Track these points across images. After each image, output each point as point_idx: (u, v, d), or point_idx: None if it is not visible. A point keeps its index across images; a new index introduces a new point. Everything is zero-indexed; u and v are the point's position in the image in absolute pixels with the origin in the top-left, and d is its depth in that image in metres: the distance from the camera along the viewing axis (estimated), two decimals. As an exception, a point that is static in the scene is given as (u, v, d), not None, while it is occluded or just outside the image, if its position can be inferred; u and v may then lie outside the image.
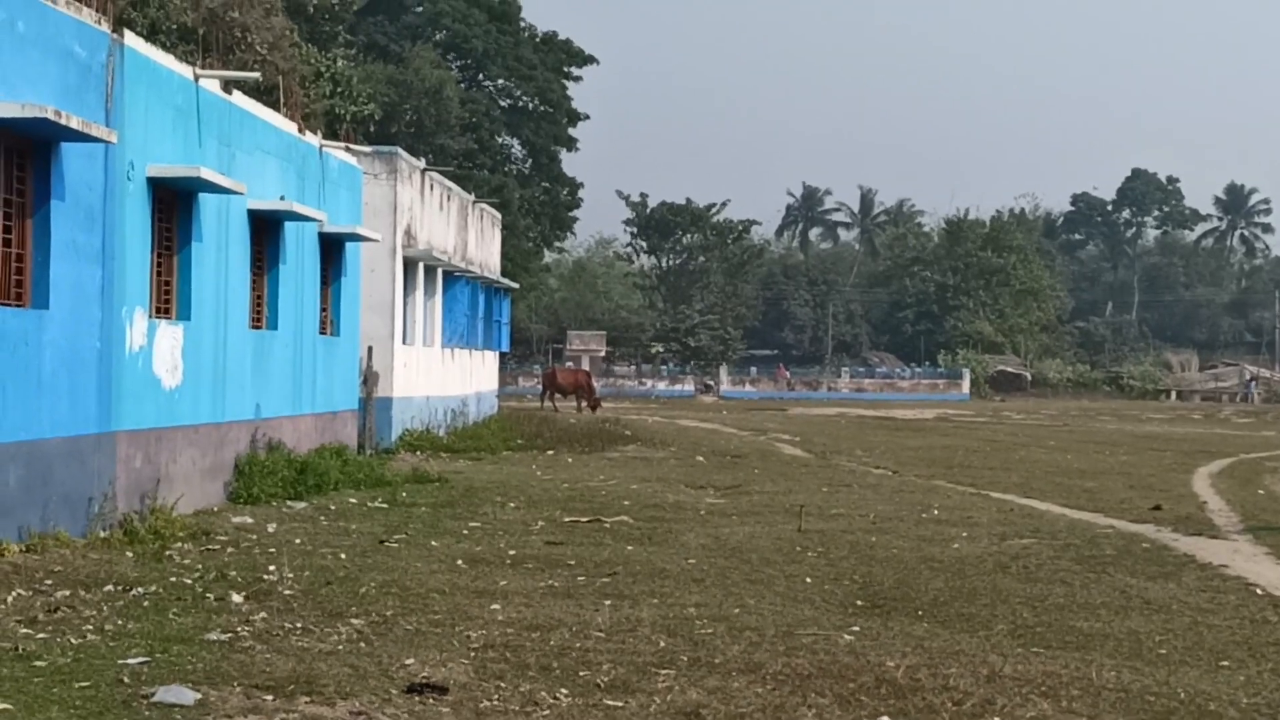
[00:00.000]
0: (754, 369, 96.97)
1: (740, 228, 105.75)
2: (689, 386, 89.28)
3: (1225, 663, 10.06)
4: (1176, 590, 13.15)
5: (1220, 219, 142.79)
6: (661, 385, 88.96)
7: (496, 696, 8.42)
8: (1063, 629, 11.14)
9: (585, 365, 78.49)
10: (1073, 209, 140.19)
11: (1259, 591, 13.19)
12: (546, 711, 8.14)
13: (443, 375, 33.42)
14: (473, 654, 9.51)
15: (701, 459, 29.42)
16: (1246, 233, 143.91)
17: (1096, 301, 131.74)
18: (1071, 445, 38.25)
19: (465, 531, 15.99)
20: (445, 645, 9.75)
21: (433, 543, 14.93)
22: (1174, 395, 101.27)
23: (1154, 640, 10.77)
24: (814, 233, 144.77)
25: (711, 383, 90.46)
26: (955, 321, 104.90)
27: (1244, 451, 36.73)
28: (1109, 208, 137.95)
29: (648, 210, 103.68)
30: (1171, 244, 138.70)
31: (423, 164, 32.21)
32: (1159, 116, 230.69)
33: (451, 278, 33.71)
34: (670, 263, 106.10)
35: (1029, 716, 8.39)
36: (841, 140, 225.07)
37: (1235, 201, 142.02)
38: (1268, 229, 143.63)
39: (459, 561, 13.65)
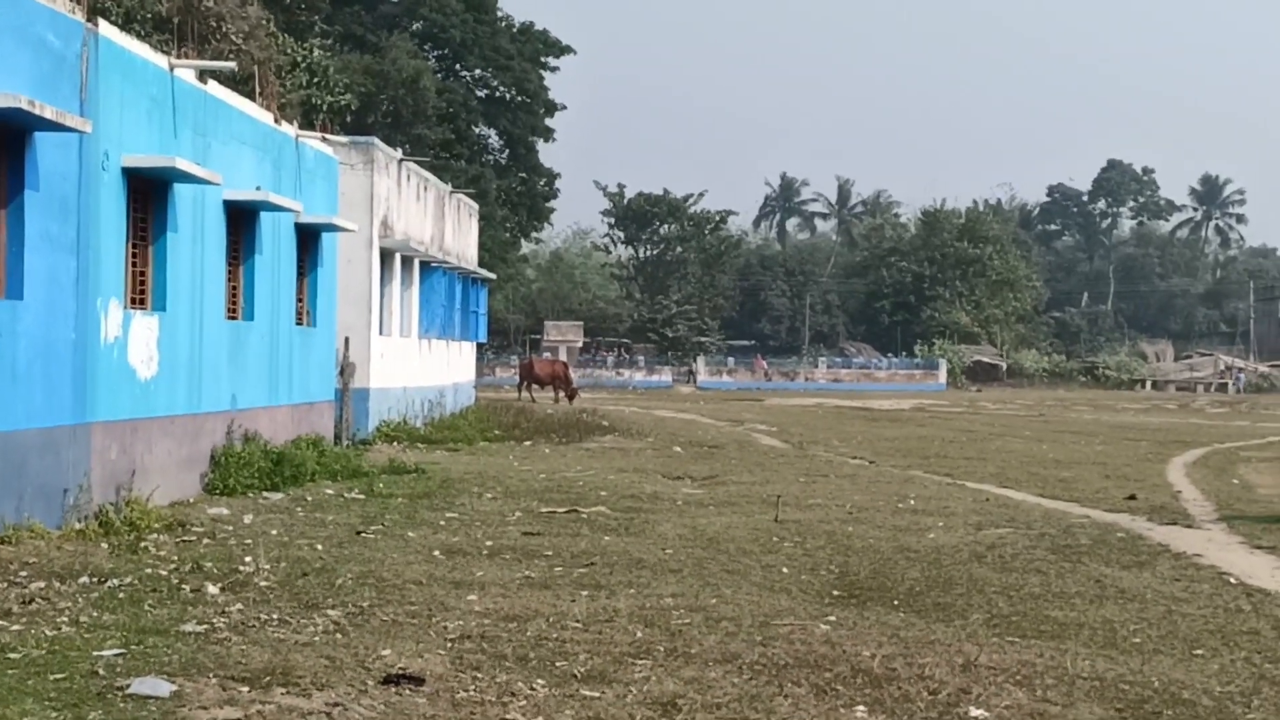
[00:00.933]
0: (731, 359, 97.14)
1: (717, 218, 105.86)
2: (666, 377, 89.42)
3: (1199, 651, 10.11)
4: (1151, 579, 13.21)
5: (1195, 210, 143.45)
6: (639, 376, 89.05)
7: (473, 687, 8.42)
8: (1038, 618, 11.18)
9: (563, 356, 78.51)
10: (1048, 200, 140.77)
11: (1232, 580, 13.26)
12: (523, 702, 8.14)
13: (420, 366, 33.37)
14: (449, 645, 9.51)
15: (679, 449, 29.44)
16: (1221, 223, 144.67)
17: (1072, 292, 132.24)
18: (1047, 435, 38.39)
19: (442, 522, 15.98)
20: (422, 636, 9.74)
21: (409, 534, 14.91)
22: (1149, 385, 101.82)
23: (1128, 629, 10.81)
24: (791, 223, 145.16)
25: (694, 368, 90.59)
26: (932, 312, 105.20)
27: (1218, 441, 36.93)
28: (1085, 198, 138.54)
29: (625, 201, 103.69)
30: (1147, 235, 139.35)
31: (399, 154, 32.12)
32: (1135, 107, 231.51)
33: (428, 268, 33.65)
34: (647, 253, 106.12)
35: (1004, 705, 8.42)
36: (819, 131, 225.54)
37: (1210, 192, 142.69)
38: (1242, 219, 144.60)
39: (436, 552, 13.64)
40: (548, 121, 71.12)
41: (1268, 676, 9.35)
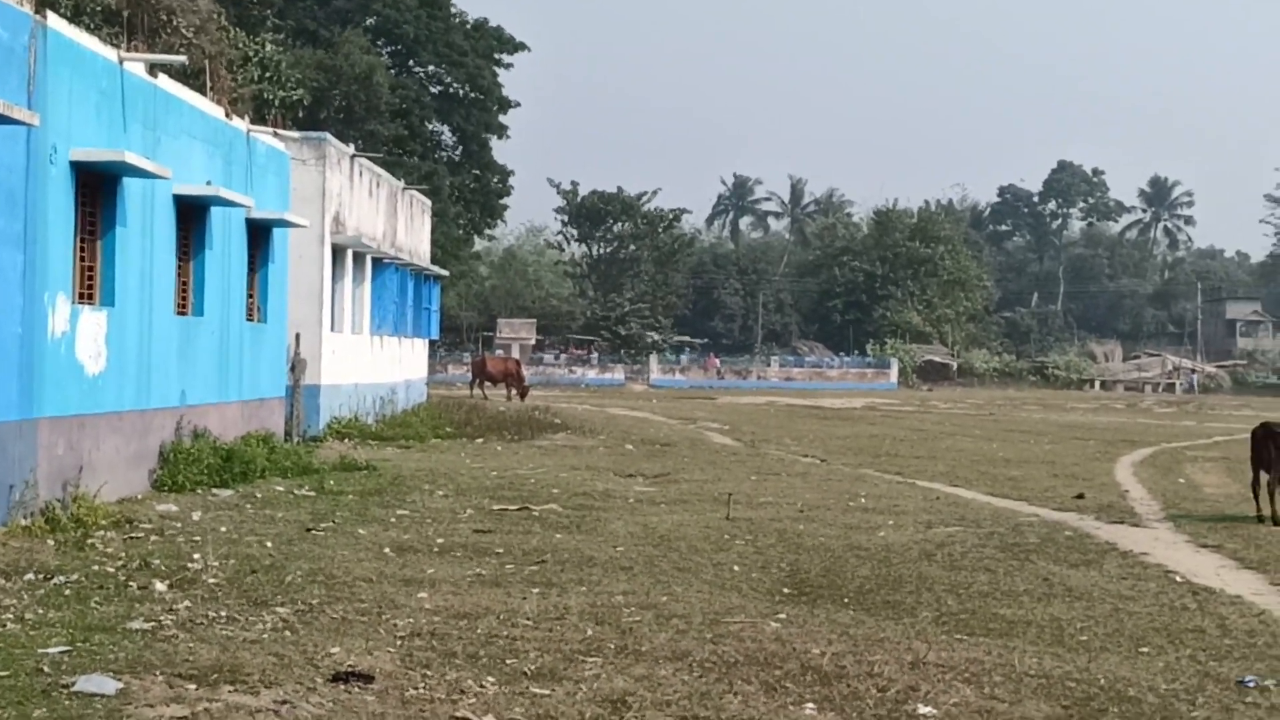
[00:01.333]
0: (684, 357, 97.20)
1: (671, 216, 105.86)
2: (619, 375, 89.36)
3: (1144, 649, 10.20)
4: (1098, 578, 13.32)
5: (1144, 211, 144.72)
6: (591, 374, 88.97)
7: (422, 685, 8.40)
8: (986, 616, 11.25)
9: (515, 353, 78.38)
10: (999, 200, 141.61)
11: (1178, 579, 13.38)
12: (473, 700, 8.12)
13: (371, 362, 33.24)
14: (399, 642, 9.48)
15: (631, 447, 29.45)
16: (1170, 224, 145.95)
17: (1022, 292, 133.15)
18: (997, 434, 38.63)
19: (393, 519, 15.93)
20: (371, 634, 9.71)
21: (360, 531, 14.86)
22: (1098, 385, 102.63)
23: (1075, 627, 10.90)
24: (744, 222, 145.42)
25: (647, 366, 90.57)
26: (884, 311, 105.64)
27: (1165, 441, 37.26)
28: (1035, 199, 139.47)
29: (578, 198, 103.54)
30: (1096, 235, 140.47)
31: (352, 150, 31.98)
32: (1085, 109, 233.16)
33: (380, 265, 33.52)
34: (601, 251, 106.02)
35: (952, 703, 8.47)
36: (772, 130, 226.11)
37: (1159, 194, 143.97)
38: (1190, 221, 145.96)
39: (386, 550, 13.60)
40: (501, 118, 70.89)
41: (1212, 674, 9.44)
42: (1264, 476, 18.14)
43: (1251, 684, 9.15)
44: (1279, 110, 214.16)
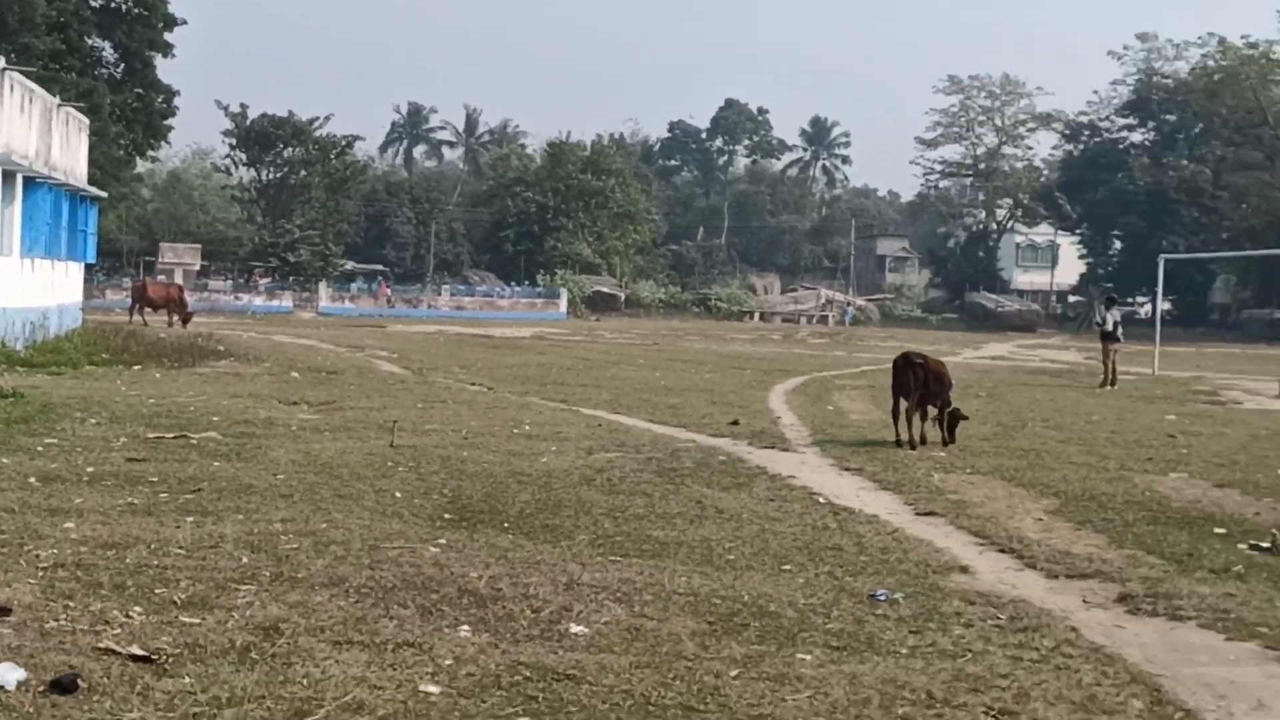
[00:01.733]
0: (354, 285, 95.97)
1: (343, 143, 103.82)
2: (287, 302, 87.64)
3: (787, 567, 10.67)
4: (747, 500, 13.84)
5: (805, 150, 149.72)
6: (259, 300, 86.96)
7: (64, 616, 8.16)
8: (640, 538, 11.57)
9: (179, 278, 75.97)
10: (669, 136, 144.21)
11: (821, 500, 14.02)
12: (118, 630, 7.94)
13: (21, 286, 31.75)
14: (41, 574, 9.18)
15: (296, 375, 29.00)
16: (828, 163, 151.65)
17: (689, 226, 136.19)
18: (660, 363, 39.53)
19: (40, 448, 15.32)
20: (11, 565, 9.36)
21: (2, 460, 14.24)
22: (757, 316, 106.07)
23: (724, 547, 11.32)
24: (418, 151, 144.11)
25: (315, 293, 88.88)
26: (555, 242, 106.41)
27: (817, 370, 38.80)
28: (703, 136, 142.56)
29: (247, 122, 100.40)
30: (760, 172, 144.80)
31: (2, 63, 30.32)
32: (751, 47, 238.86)
33: (32, 184, 31.98)
34: (270, 176, 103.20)
35: (603, 621, 8.71)
36: (448, 59, 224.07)
37: (819, 134, 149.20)
38: (847, 160, 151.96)
39: (31, 479, 13.08)
40: (167, 36, 68.17)
41: (847, 589, 9.96)
42: (903, 403, 19.14)
43: (883, 598, 9.70)
44: (931, 56, 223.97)
